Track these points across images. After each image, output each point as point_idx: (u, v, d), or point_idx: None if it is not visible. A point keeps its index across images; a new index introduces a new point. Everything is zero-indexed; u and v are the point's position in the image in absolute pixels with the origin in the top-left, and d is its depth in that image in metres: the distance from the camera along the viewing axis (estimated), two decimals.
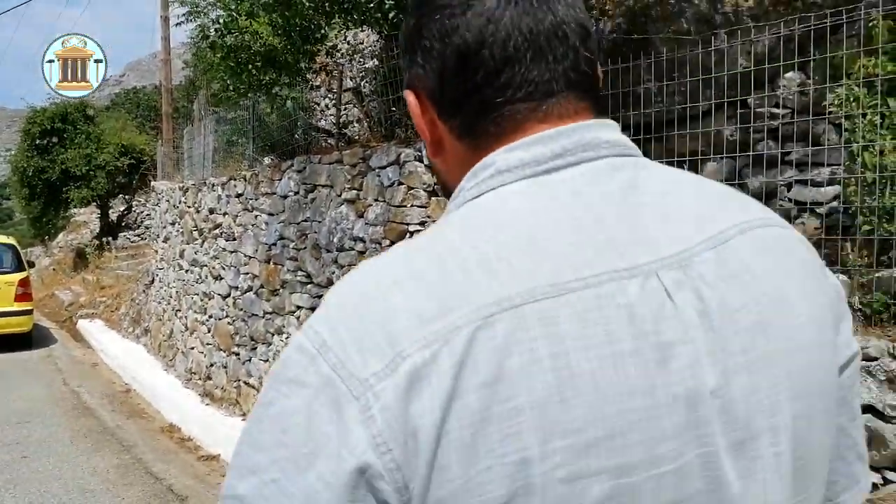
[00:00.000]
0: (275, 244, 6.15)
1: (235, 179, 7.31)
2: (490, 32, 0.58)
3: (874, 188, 3.01)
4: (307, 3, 5.09)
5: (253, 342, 6.43)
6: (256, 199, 6.69)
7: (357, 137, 6.00)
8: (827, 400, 0.59)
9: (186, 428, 6.26)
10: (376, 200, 4.75)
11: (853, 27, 3.26)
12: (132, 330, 11.00)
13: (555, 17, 0.59)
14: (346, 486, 0.48)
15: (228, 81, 6.65)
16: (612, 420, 0.48)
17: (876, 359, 2.50)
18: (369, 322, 0.51)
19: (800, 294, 0.58)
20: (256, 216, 6.67)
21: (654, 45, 4.21)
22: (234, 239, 7.13)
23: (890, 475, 2.49)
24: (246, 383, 6.46)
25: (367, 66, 6.30)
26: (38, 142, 18.59)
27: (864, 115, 3.04)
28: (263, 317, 6.27)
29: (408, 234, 4.35)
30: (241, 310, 6.73)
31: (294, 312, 5.76)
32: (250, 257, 6.66)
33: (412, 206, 4.46)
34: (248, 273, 6.69)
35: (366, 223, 4.84)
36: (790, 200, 3.89)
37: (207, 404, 7.00)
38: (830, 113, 3.28)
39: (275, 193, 6.24)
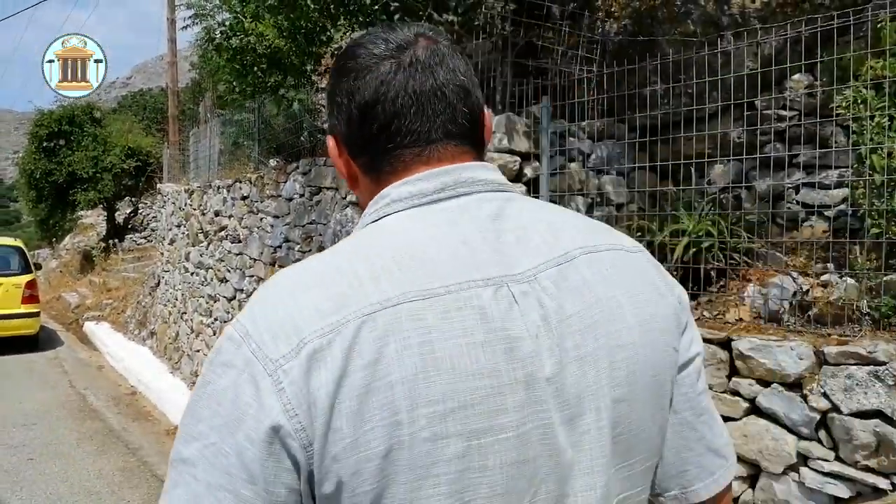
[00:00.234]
0: (280, 246, 6.15)
1: (241, 182, 7.32)
2: (382, 92, 0.74)
3: (882, 191, 2.98)
4: (312, 5, 5.09)
5: None
6: (262, 202, 6.70)
7: None
8: (653, 390, 0.74)
9: None
10: None
11: (861, 28, 3.23)
12: (138, 332, 11.02)
13: (435, 82, 0.75)
14: (265, 442, 0.61)
15: (234, 83, 6.66)
16: (465, 395, 0.63)
17: (884, 363, 2.47)
18: (281, 316, 0.65)
19: (632, 304, 0.73)
20: (262, 218, 6.67)
21: (661, 46, 4.19)
22: (240, 241, 7.14)
23: None
24: None
25: None
26: (45, 144, 18.65)
27: (872, 118, 3.01)
28: None
29: None
30: None
31: None
32: (255, 259, 6.66)
33: None
34: (253, 275, 6.69)
35: None
36: (798, 203, 3.86)
37: None
38: (838, 115, 3.26)
39: (280, 196, 6.24)
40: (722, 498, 0.82)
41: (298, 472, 0.62)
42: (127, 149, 18.50)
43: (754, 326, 3.02)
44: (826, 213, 3.74)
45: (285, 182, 6.14)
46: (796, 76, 3.87)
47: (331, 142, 0.82)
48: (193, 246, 8.84)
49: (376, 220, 0.75)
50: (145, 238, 20.02)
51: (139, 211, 21.00)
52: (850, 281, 3.03)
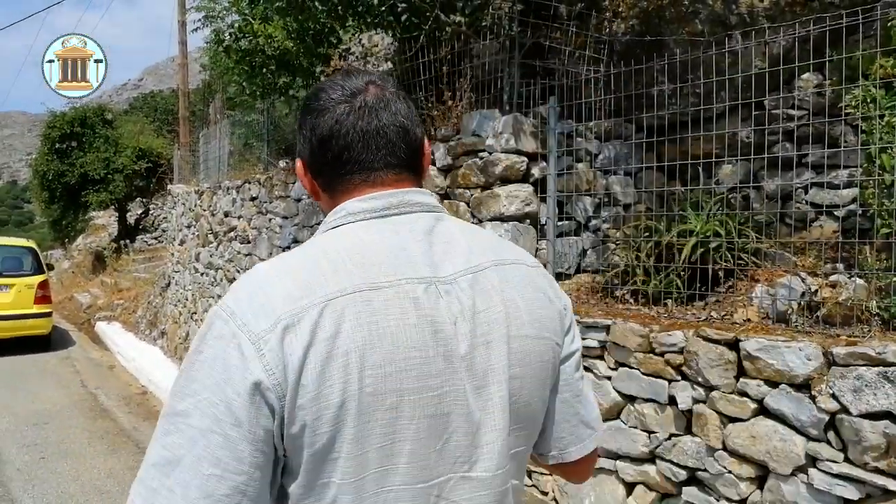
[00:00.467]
0: (289, 247, 6.17)
1: (250, 183, 7.35)
2: (336, 129, 0.95)
3: (892, 190, 2.96)
4: (320, 7, 5.11)
5: None
6: (271, 203, 6.72)
7: None
8: (540, 373, 0.96)
9: None
10: None
11: (870, 27, 3.21)
12: (149, 332, 11.09)
13: (379, 122, 0.95)
14: (249, 394, 0.79)
15: (244, 85, 6.69)
16: (400, 362, 0.83)
17: (893, 364, 2.45)
18: (261, 299, 0.84)
19: (526, 306, 0.95)
20: (271, 219, 6.70)
21: (668, 46, 4.17)
22: (249, 242, 7.17)
23: None
24: None
25: (380, 68, 6.31)
26: (57, 146, 18.79)
27: (881, 117, 2.99)
28: None
29: None
30: None
31: None
32: (264, 260, 6.68)
33: None
34: None
35: None
36: (807, 203, 3.84)
37: None
38: (848, 114, 3.23)
39: (289, 197, 6.27)
40: (589, 459, 1.09)
41: (273, 417, 0.81)
42: (138, 150, 18.62)
43: (762, 327, 3.00)
44: (835, 213, 3.72)
45: (294, 183, 6.17)
46: (805, 75, 3.85)
47: (299, 163, 1.03)
48: (203, 246, 8.89)
49: (335, 227, 0.95)
50: (156, 239, 20.14)
51: (150, 212, 21.14)
52: (860, 281, 3.01)
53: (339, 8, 5.12)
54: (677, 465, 3.09)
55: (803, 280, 3.14)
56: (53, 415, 6.75)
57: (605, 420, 3.41)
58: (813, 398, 2.62)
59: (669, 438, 3.13)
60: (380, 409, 0.82)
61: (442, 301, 0.88)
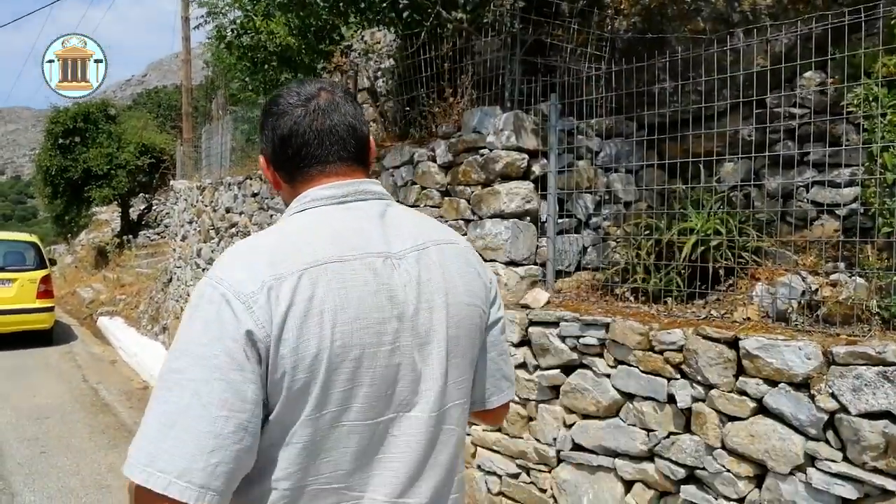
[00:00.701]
0: None
1: (251, 179, 7.35)
2: (294, 129, 1.12)
3: (894, 189, 2.95)
4: (322, 3, 5.10)
5: None
6: (272, 198, 6.72)
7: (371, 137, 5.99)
8: (472, 334, 1.17)
9: None
10: None
11: (873, 26, 3.20)
12: (151, 327, 11.11)
13: (331, 122, 1.13)
14: (245, 341, 0.95)
15: (246, 81, 6.69)
16: (363, 321, 1.01)
17: (893, 364, 2.44)
18: (246, 266, 1.00)
19: (461, 278, 1.16)
20: (272, 215, 6.70)
21: (670, 43, 4.16)
22: None
23: None
24: None
25: (382, 65, 6.30)
26: (60, 141, 18.83)
27: (883, 115, 2.98)
28: None
29: None
30: None
31: None
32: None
33: (425, 205, 4.45)
34: None
35: None
36: (808, 201, 3.83)
37: None
38: (850, 113, 3.22)
39: None
40: (505, 407, 1.33)
41: (261, 364, 0.96)
42: (141, 146, 18.65)
43: (762, 326, 2.99)
44: (837, 212, 3.71)
45: None
46: (807, 74, 3.83)
47: (262, 159, 1.21)
48: (205, 242, 8.90)
49: (301, 211, 1.12)
50: (159, 234, 20.15)
51: (153, 207, 21.16)
52: (860, 280, 3.00)
53: (341, 4, 5.11)
54: (676, 463, 3.09)
55: (804, 279, 3.13)
56: (55, 409, 6.77)
57: (604, 418, 3.42)
58: (812, 397, 2.62)
59: (668, 437, 3.13)
60: (346, 359, 1.00)
61: (395, 272, 1.07)
